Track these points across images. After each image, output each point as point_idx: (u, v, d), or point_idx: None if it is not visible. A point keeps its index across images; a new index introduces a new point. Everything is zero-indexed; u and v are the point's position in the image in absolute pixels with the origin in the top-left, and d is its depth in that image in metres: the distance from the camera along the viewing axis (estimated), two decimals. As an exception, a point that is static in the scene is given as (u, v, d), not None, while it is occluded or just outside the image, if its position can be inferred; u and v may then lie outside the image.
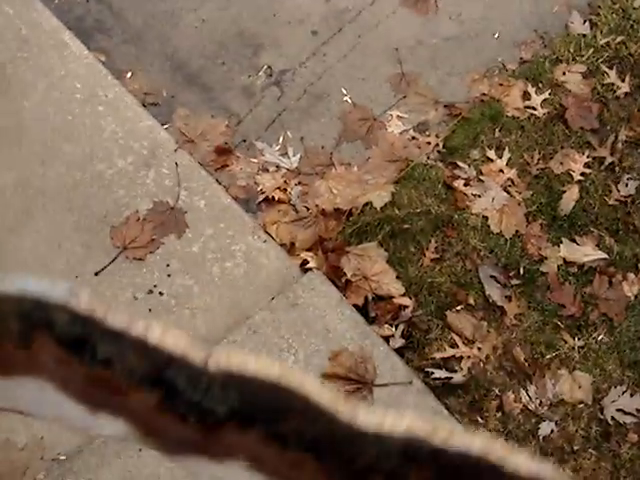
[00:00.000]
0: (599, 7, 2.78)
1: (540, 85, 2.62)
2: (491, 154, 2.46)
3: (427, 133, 2.50)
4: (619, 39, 2.71)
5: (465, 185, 2.40)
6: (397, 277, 2.23)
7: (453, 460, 0.55)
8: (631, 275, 2.35)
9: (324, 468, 0.57)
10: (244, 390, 0.55)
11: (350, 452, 0.56)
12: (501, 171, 2.44)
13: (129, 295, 2.16)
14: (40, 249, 2.19)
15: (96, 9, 2.68)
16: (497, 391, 2.17)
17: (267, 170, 2.41)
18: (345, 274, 2.20)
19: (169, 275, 2.17)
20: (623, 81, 2.63)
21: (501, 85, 2.60)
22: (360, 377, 2.04)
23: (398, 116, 2.52)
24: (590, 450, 2.14)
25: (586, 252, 2.35)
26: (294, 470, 0.58)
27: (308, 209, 2.33)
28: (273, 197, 2.34)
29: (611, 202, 2.44)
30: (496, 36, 2.72)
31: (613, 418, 2.18)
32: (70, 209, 2.24)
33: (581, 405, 2.19)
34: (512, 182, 2.43)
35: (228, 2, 2.70)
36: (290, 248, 2.27)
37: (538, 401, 2.17)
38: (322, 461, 0.56)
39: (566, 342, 2.24)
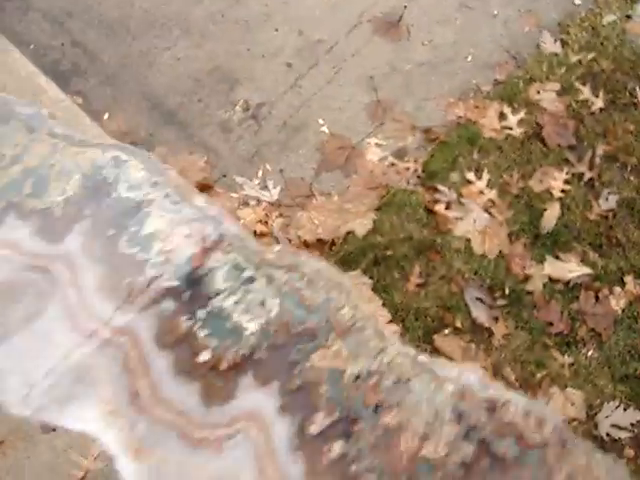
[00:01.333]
0: (569, 26, 2.82)
1: (515, 105, 2.64)
2: (470, 176, 2.47)
3: (406, 159, 2.51)
4: (590, 56, 2.74)
5: (446, 208, 2.40)
6: (383, 304, 2.22)
7: None
8: (617, 289, 2.34)
9: None
10: None
11: None
12: (481, 192, 2.44)
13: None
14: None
15: (71, 52, 2.69)
16: (490, 413, 2.15)
17: (248, 204, 2.41)
18: (331, 304, 2.18)
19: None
20: (597, 97, 2.66)
21: (477, 107, 2.62)
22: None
23: (376, 143, 2.53)
24: (586, 468, 2.12)
25: (570, 268, 2.35)
26: None
27: (290, 241, 2.32)
28: (255, 231, 2.34)
29: (592, 217, 2.44)
30: (469, 59, 2.75)
31: (608, 434, 2.16)
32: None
33: (575, 422, 2.17)
34: (493, 203, 2.43)
35: (202, 39, 2.72)
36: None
37: (532, 421, 2.16)
38: None
39: (556, 360, 2.23)
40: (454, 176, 2.48)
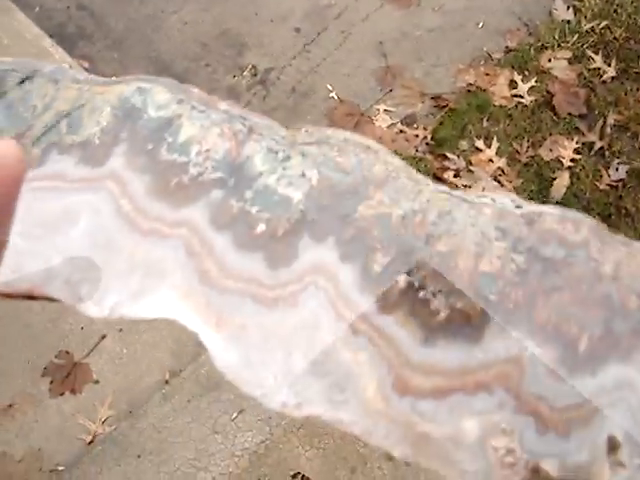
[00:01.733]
0: (582, -8, 2.78)
1: (526, 73, 2.61)
2: (480, 144, 2.45)
3: (415, 126, 2.49)
4: (603, 24, 2.71)
5: (455, 176, 2.38)
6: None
7: None
8: (625, 259, 2.33)
9: None
10: None
11: None
12: (491, 161, 2.43)
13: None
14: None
15: (77, 15, 2.66)
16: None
17: (256, 170, 2.39)
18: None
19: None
20: (609, 65, 2.62)
21: (487, 74, 2.59)
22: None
23: (385, 110, 2.51)
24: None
25: (579, 238, 2.34)
26: None
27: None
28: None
29: (602, 187, 2.43)
30: (480, 25, 2.71)
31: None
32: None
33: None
34: (502, 171, 2.42)
35: (209, 3, 2.69)
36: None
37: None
38: None
39: (563, 329, 2.23)
40: (463, 144, 2.46)
